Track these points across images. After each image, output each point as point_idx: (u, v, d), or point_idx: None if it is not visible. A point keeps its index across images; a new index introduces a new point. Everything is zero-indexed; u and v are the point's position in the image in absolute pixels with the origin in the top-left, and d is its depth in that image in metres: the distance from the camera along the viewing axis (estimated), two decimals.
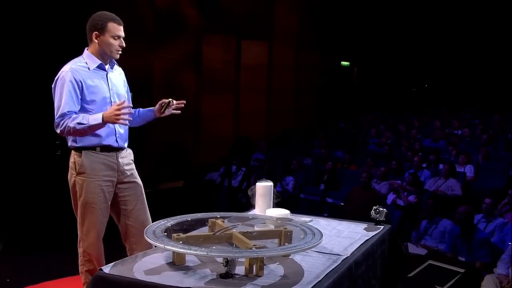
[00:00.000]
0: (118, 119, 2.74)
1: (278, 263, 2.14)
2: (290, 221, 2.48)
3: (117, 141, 2.98)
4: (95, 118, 2.76)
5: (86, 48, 2.95)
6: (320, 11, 13.09)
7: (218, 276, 1.96)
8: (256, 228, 2.33)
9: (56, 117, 2.79)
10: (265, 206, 2.79)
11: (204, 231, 2.40)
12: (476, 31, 14.65)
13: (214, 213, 2.52)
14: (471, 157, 7.88)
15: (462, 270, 4.21)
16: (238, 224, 2.39)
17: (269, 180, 2.88)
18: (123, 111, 2.73)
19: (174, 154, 9.14)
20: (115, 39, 2.90)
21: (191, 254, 2.01)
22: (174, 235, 2.10)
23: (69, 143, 2.93)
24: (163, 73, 9.28)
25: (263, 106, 11.82)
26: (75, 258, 3.02)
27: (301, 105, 12.72)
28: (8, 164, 6.70)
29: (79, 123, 2.73)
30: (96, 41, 2.89)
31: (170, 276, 1.96)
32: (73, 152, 2.93)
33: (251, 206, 2.92)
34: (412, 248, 5.42)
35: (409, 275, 4.05)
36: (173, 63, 9.48)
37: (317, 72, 13.36)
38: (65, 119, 2.75)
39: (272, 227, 2.37)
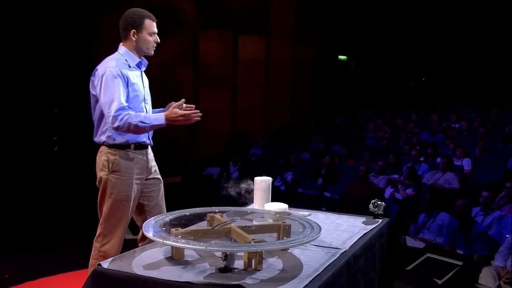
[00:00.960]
0: (187, 121, 2.78)
1: (277, 257, 2.14)
2: (288, 215, 2.48)
3: (149, 138, 3.02)
4: (157, 119, 2.81)
5: (121, 45, 2.97)
6: (317, 5, 13.04)
7: (217, 270, 1.95)
8: (254, 222, 2.32)
9: (113, 110, 2.74)
10: (263, 201, 2.79)
11: (202, 225, 2.39)
12: (473, 25, 14.63)
13: (213, 207, 2.51)
14: (469, 151, 7.90)
15: (460, 263, 4.22)
16: (236, 219, 2.39)
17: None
18: (189, 112, 2.80)
19: (171, 150, 9.13)
20: (151, 35, 2.97)
21: (190, 249, 2.01)
22: (173, 229, 2.10)
23: (103, 139, 2.89)
24: (159, 68, 9.25)
25: (260, 101, 11.79)
26: (73, 254, 3.03)
27: (298, 99, 12.70)
28: (6, 160, 6.69)
29: (142, 122, 2.75)
30: (133, 38, 2.93)
31: (169, 271, 1.96)
32: (105, 149, 2.90)
33: (246, 201, 2.93)
34: (410, 242, 5.44)
35: (407, 268, 4.05)
36: (170, 58, 9.45)
37: (314, 67, 13.32)
38: (124, 114, 2.74)
39: (270, 221, 2.37)
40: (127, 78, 2.85)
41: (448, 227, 5.39)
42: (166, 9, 9.26)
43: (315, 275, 1.96)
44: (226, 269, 1.94)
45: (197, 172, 8.83)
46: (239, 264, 1.99)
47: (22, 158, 6.75)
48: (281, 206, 2.64)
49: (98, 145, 2.96)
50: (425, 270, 4.15)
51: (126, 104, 2.78)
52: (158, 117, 2.82)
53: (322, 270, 2.02)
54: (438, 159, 7.57)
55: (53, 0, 6.93)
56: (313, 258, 2.14)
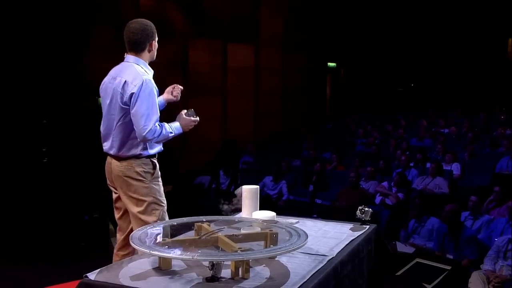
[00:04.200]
0: (190, 128, 3.00)
1: (264, 265, 2.15)
2: (276, 223, 2.49)
3: (162, 147, 3.09)
4: (176, 128, 2.95)
5: (135, 57, 3.02)
6: (305, 13, 13.14)
7: (204, 280, 1.96)
8: (242, 231, 2.33)
9: (150, 123, 2.80)
10: (251, 209, 2.80)
11: (190, 235, 2.40)
12: (461, 30, 14.80)
13: (200, 217, 2.52)
14: (458, 155, 7.96)
15: (448, 268, 4.25)
16: (224, 228, 2.39)
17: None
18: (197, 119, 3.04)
19: (162, 159, 9.10)
20: None
21: (177, 259, 2.02)
22: (160, 240, 2.10)
23: (137, 152, 2.91)
24: None
25: (250, 109, 11.83)
26: (61, 266, 3.01)
27: (288, 107, 12.75)
28: None
29: (170, 132, 2.89)
30: (153, 49, 3.06)
31: (156, 281, 1.96)
32: (136, 161, 2.91)
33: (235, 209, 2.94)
34: (401, 247, 5.46)
35: (397, 274, 4.08)
36: (160, 68, 9.42)
37: (304, 74, 13.40)
38: (157, 127, 2.83)
39: (258, 229, 2.38)
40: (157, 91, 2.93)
41: (438, 232, 5.42)
42: (155, 19, 9.24)
43: (301, 282, 1.97)
44: (213, 279, 1.95)
45: (188, 181, 8.82)
46: (226, 273, 1.99)
47: (10, 170, 6.70)
48: (269, 214, 2.64)
49: (117, 158, 2.92)
50: (414, 275, 4.18)
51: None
52: (177, 126, 2.95)
53: (309, 278, 2.03)
54: (428, 164, 7.63)
55: (42, 11, 6.93)
56: (300, 266, 2.15)
